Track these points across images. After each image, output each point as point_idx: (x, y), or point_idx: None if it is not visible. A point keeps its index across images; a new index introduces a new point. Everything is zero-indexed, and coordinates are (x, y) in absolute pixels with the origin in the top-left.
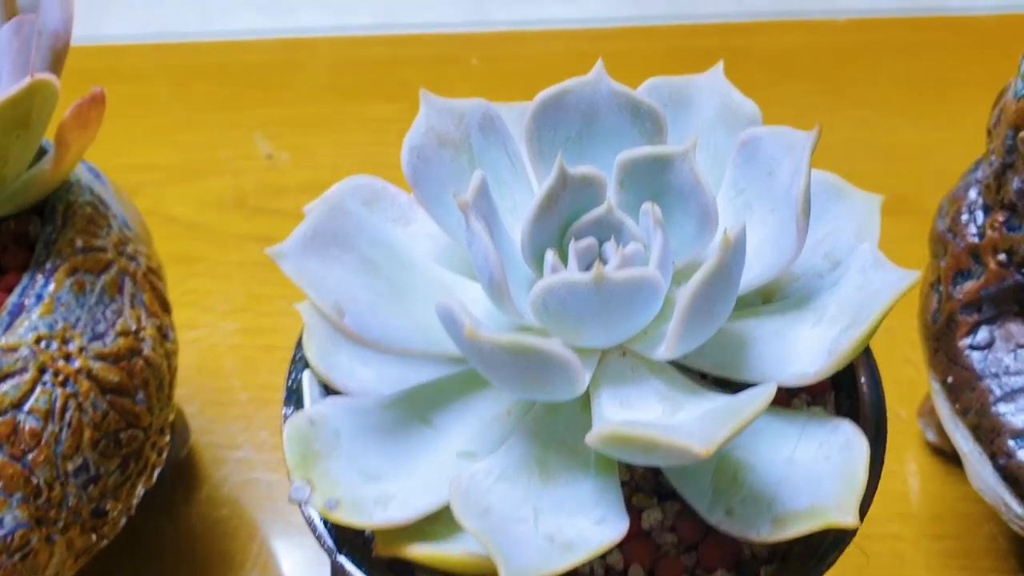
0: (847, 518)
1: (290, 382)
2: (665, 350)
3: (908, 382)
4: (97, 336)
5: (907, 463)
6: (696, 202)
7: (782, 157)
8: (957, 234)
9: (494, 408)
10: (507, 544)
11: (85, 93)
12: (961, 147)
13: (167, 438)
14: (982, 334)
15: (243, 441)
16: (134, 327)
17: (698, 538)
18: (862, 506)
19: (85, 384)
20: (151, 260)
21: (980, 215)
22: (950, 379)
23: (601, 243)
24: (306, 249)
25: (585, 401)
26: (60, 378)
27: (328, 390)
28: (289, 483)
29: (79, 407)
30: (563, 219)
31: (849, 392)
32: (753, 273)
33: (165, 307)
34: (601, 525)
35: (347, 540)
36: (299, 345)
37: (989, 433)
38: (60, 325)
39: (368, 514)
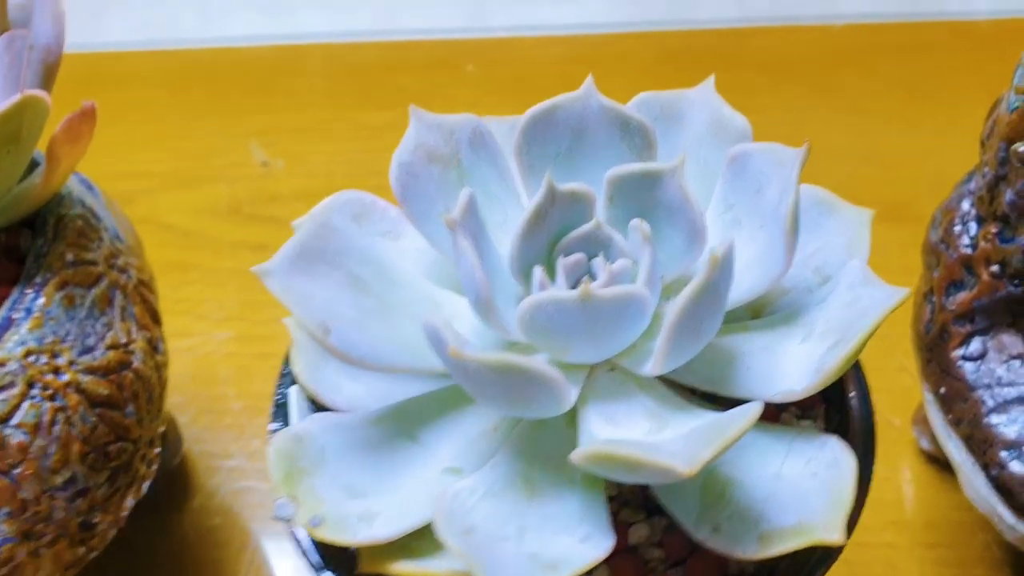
0: (833, 536)
1: (278, 397)
2: (652, 366)
3: (903, 390)
4: (87, 350)
5: (901, 471)
6: (685, 218)
7: (771, 174)
8: (950, 245)
9: (480, 424)
10: (490, 563)
11: (81, 100)
12: (959, 153)
13: (157, 450)
14: (975, 345)
15: (236, 450)
16: (124, 340)
17: (685, 554)
18: (850, 522)
19: (74, 398)
20: (142, 272)
21: (973, 226)
22: (943, 390)
23: (590, 259)
24: (293, 267)
25: (572, 417)
26: (49, 392)
27: (316, 405)
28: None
29: (68, 421)
30: (551, 235)
31: (839, 406)
32: (742, 289)
33: (156, 319)
34: (585, 543)
35: (332, 557)
36: (287, 360)
37: (982, 444)
38: (50, 339)
39: (352, 531)
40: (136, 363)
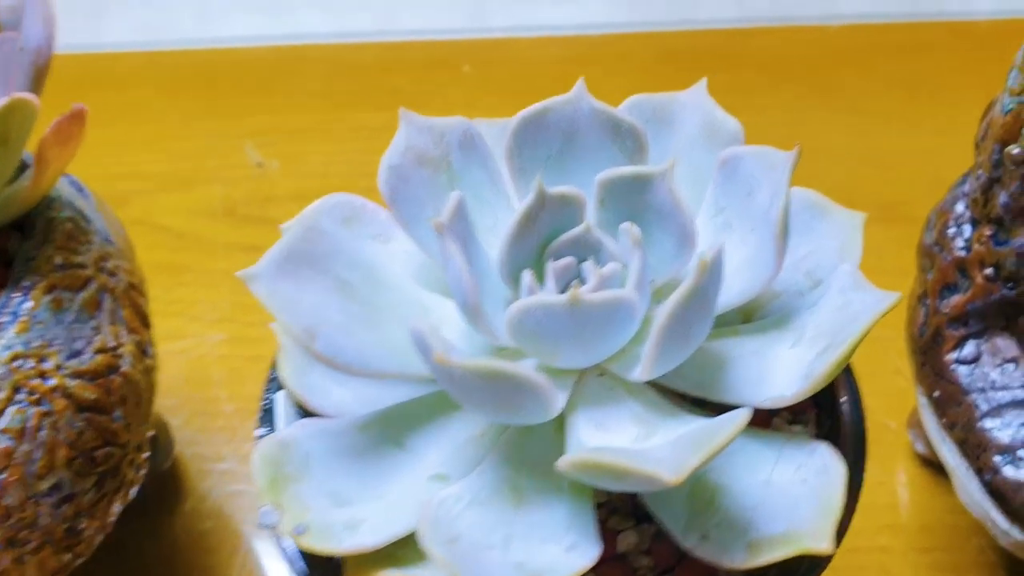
0: (822, 544)
1: (264, 402)
2: (641, 372)
3: (898, 392)
4: (74, 354)
5: (896, 474)
6: (675, 222)
7: (762, 177)
8: (944, 247)
9: (468, 430)
10: (475, 573)
11: (76, 101)
12: (957, 153)
13: (145, 455)
14: (968, 348)
15: (228, 453)
16: (113, 344)
17: (674, 561)
18: (839, 529)
19: (60, 403)
20: (132, 275)
21: (967, 229)
22: (936, 393)
23: (580, 262)
24: (279, 271)
25: (560, 423)
26: (35, 397)
27: (302, 411)
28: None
29: (54, 426)
30: (542, 238)
31: (831, 410)
32: (732, 293)
33: (145, 323)
34: (571, 552)
35: (318, 565)
36: (275, 365)
37: (975, 448)
38: (36, 343)
39: (337, 539)
40: (125, 367)
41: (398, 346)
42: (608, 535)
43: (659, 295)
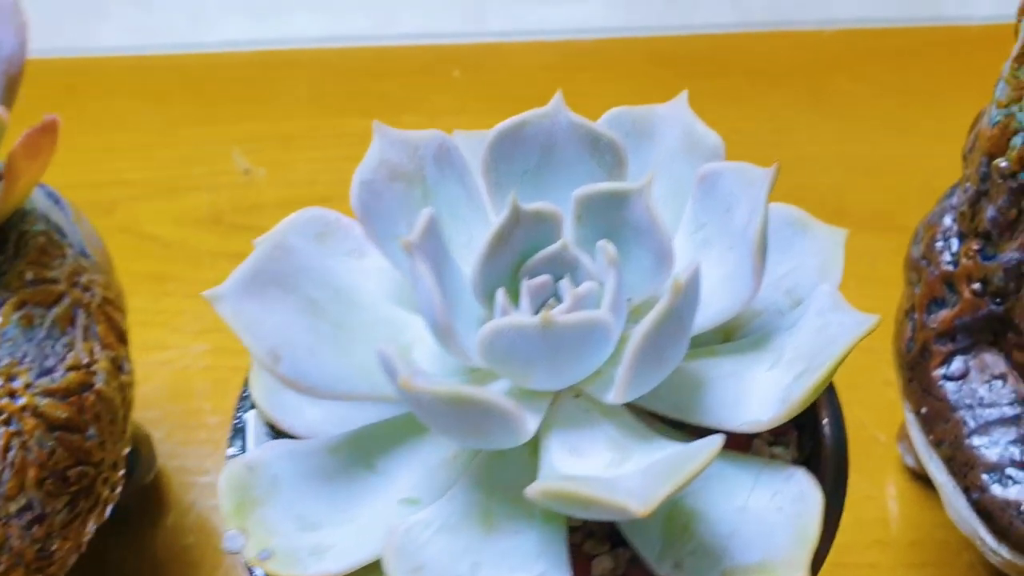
0: (796, 574)
1: (236, 421)
2: (615, 395)
3: (888, 405)
4: (45, 371)
5: (886, 488)
6: (652, 240)
7: (740, 194)
8: (931, 261)
9: (440, 453)
10: None
11: (62, 106)
12: (951, 161)
13: (121, 472)
14: (956, 364)
15: (211, 466)
16: (86, 360)
17: None
18: (817, 557)
19: (30, 422)
20: (108, 290)
21: (955, 242)
22: (924, 409)
23: (557, 280)
24: (246, 291)
25: (535, 445)
26: (3, 416)
27: (274, 430)
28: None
29: (23, 446)
30: (517, 255)
31: (813, 432)
32: (711, 312)
33: (121, 338)
34: None
35: None
36: (247, 383)
37: (963, 466)
38: (5, 361)
39: (303, 565)
40: (98, 384)
41: (368, 366)
42: (583, 560)
43: (637, 313)
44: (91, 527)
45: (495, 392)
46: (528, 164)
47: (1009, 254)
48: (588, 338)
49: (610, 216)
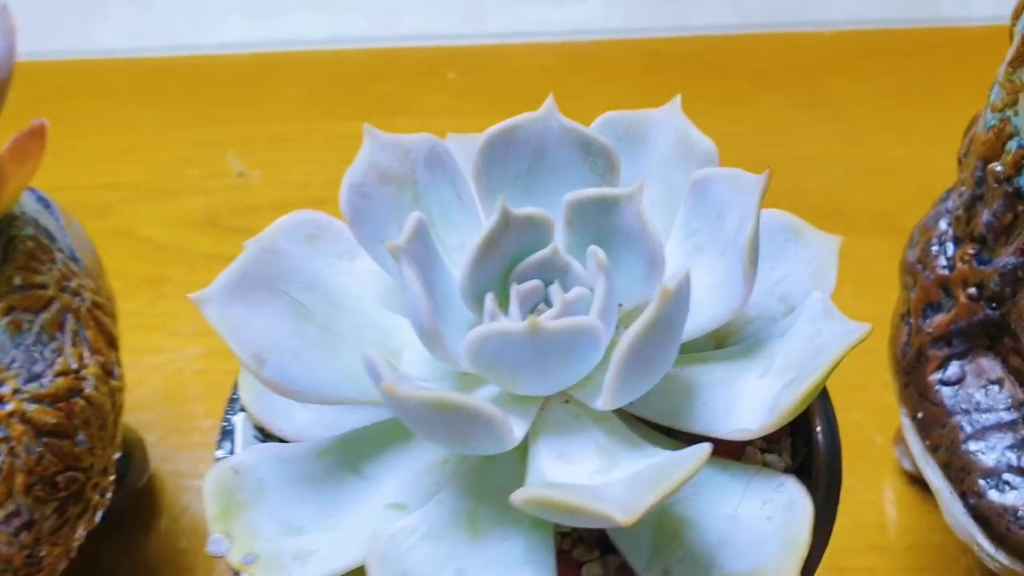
0: None
1: (224, 424)
2: (603, 401)
3: (886, 408)
4: (34, 377)
5: (883, 491)
6: (643, 245)
7: (731, 200)
8: (927, 265)
9: (429, 457)
10: None
11: (57, 108)
12: (949, 162)
13: (111, 477)
14: (952, 369)
15: (205, 470)
16: (75, 366)
17: None
18: (807, 566)
19: (18, 428)
20: (98, 294)
21: (950, 247)
22: (920, 415)
23: (548, 285)
24: (232, 294)
25: (524, 451)
26: None
27: (263, 433)
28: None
29: (11, 452)
30: (507, 260)
31: (806, 438)
32: (702, 318)
33: (112, 343)
34: None
35: None
36: (236, 385)
37: (959, 472)
38: None
39: (287, 570)
40: (88, 389)
41: (355, 371)
42: (572, 566)
43: (628, 319)
44: (81, 533)
45: (481, 398)
46: (520, 168)
47: (1005, 259)
48: (576, 344)
49: (601, 221)
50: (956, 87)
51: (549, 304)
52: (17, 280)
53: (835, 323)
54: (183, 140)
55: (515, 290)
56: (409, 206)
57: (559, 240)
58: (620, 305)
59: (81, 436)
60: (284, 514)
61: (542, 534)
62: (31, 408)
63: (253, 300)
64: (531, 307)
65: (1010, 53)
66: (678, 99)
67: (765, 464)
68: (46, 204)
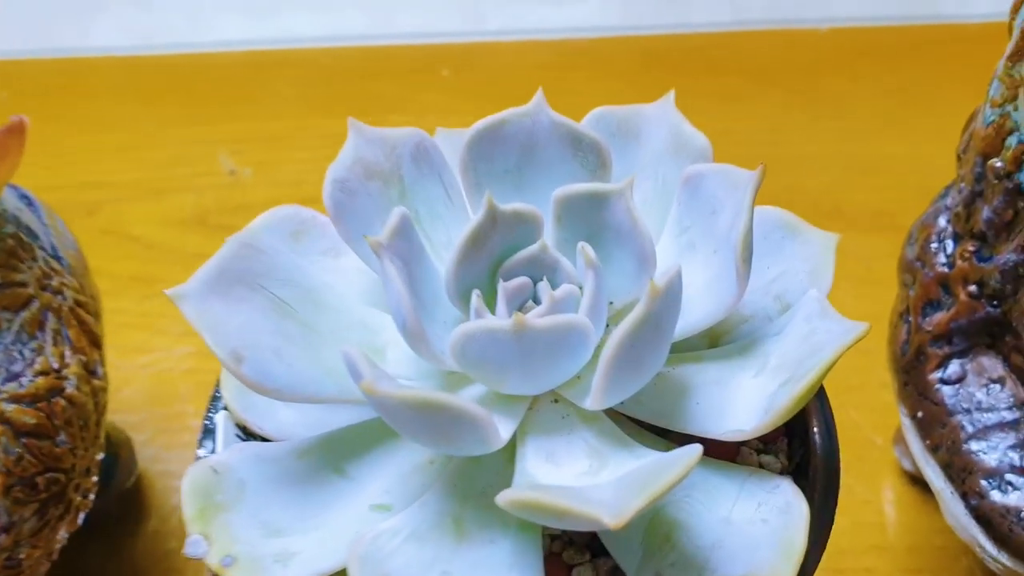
0: None
1: (207, 422)
2: (592, 401)
3: (885, 407)
4: (12, 376)
5: (883, 492)
6: (633, 242)
7: (725, 197)
8: (926, 263)
9: (415, 458)
10: None
11: (49, 106)
12: (947, 160)
13: (94, 478)
14: (953, 368)
15: None
16: (56, 365)
17: None
18: (803, 570)
19: None
20: (81, 293)
21: (950, 244)
22: (920, 414)
23: (536, 282)
24: (210, 290)
25: (511, 452)
26: None
27: (244, 431)
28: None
29: None
30: (495, 256)
31: (803, 439)
32: (696, 316)
33: (95, 342)
34: None
35: None
36: (219, 384)
37: (961, 472)
38: None
39: (267, 573)
40: (69, 389)
41: (337, 369)
42: (563, 570)
43: (619, 317)
44: (63, 535)
45: (466, 398)
46: (508, 163)
47: (1006, 256)
48: (564, 342)
49: (591, 218)
50: (955, 84)
51: (538, 302)
52: None
53: (831, 322)
54: (176, 138)
55: (502, 287)
56: (395, 201)
57: (548, 236)
58: (611, 303)
59: (62, 436)
60: (265, 515)
61: (529, 537)
62: (10, 408)
63: (232, 296)
64: (519, 304)
65: (1009, 47)
66: (671, 95)
67: (761, 465)
68: (28, 201)
